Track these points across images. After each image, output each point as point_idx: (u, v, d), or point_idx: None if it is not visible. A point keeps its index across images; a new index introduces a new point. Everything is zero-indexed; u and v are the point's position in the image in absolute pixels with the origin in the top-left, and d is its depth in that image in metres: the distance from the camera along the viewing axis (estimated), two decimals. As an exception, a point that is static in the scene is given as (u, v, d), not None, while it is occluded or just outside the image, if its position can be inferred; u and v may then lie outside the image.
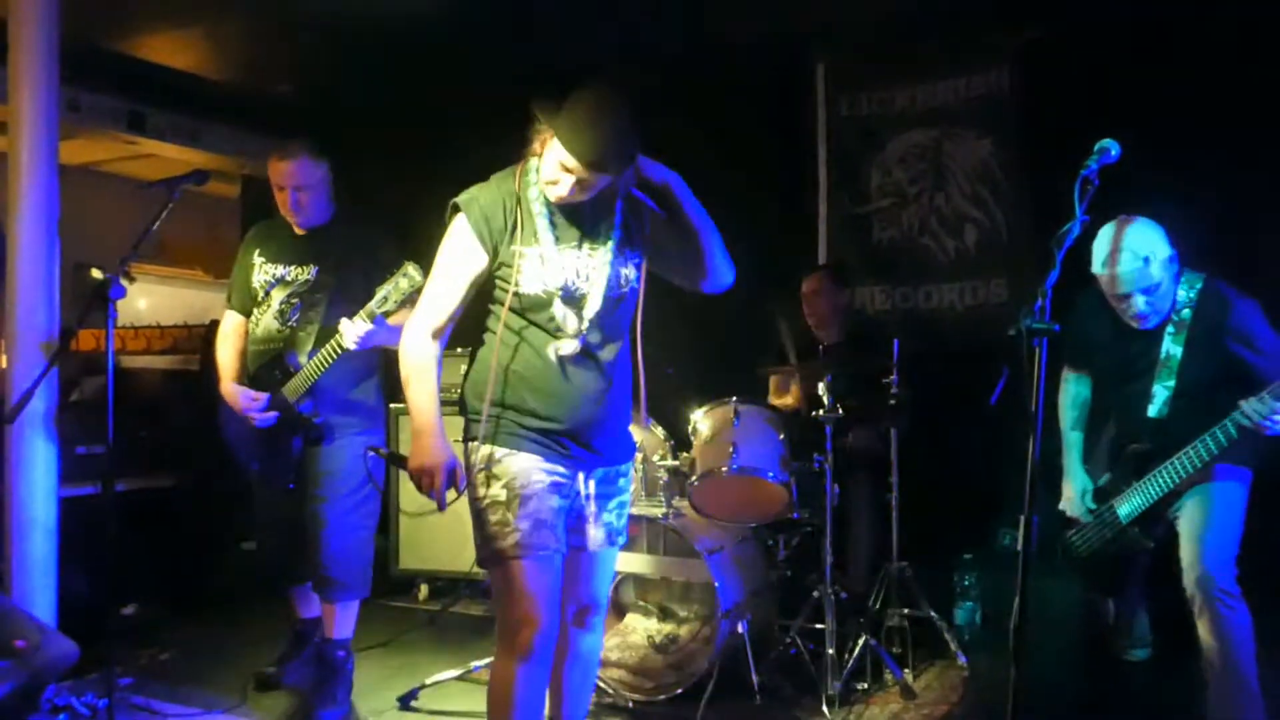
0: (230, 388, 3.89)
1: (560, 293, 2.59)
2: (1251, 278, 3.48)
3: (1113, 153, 2.54)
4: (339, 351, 3.63)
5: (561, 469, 2.64)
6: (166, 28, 5.40)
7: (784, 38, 5.51)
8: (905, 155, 5.61)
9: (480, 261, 2.62)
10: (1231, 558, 3.23)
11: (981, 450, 4.59)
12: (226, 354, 3.99)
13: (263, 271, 3.95)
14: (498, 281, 2.66)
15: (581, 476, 2.71)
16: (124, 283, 3.26)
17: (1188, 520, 3.32)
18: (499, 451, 2.61)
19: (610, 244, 2.66)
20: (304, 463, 3.82)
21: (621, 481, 2.83)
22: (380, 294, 3.46)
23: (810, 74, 5.81)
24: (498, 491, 2.59)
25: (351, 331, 3.55)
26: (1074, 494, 3.62)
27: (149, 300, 7.97)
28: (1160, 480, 3.35)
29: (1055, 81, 5.06)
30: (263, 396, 3.79)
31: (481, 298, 2.71)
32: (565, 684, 2.89)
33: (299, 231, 3.94)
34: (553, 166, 2.54)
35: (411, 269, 3.41)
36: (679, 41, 5.40)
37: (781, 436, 4.10)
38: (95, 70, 5.68)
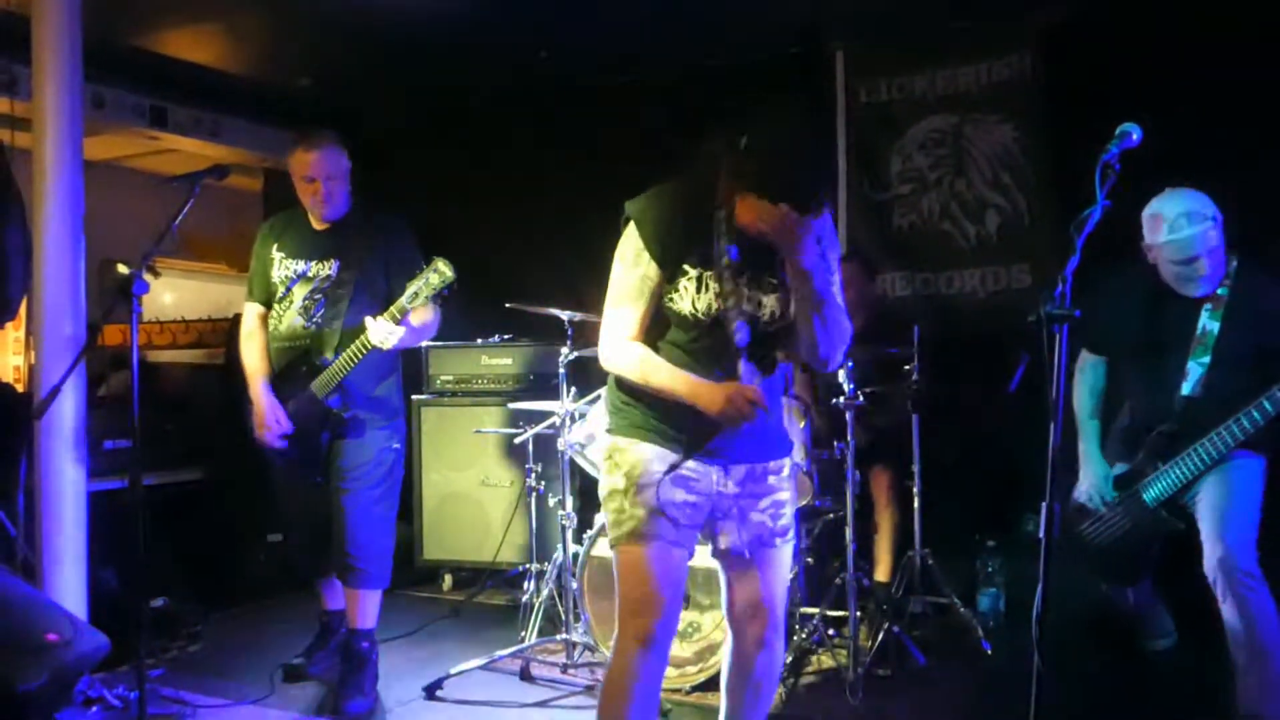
0: (261, 394, 3.86)
1: (705, 318, 2.53)
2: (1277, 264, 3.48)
3: (1134, 137, 2.53)
4: (366, 349, 3.65)
5: (689, 461, 2.56)
6: (187, 22, 5.42)
7: (802, 25, 5.49)
8: (925, 141, 5.58)
9: (653, 270, 2.55)
10: (1252, 540, 3.25)
11: (1005, 436, 4.57)
12: (253, 354, 3.98)
13: (283, 267, 3.95)
14: (667, 297, 2.58)
15: (716, 472, 2.61)
16: (148, 277, 3.28)
17: (1207, 504, 3.33)
18: (621, 441, 2.63)
19: (767, 276, 2.56)
20: (329, 456, 3.85)
21: (772, 479, 2.68)
22: (411, 289, 3.48)
23: (829, 61, 5.78)
24: (617, 480, 2.59)
25: (378, 332, 3.57)
26: (1095, 480, 3.60)
27: (174, 295, 8.03)
28: (1190, 462, 3.35)
29: (1077, 65, 5.03)
30: (286, 423, 3.81)
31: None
32: (738, 699, 2.77)
33: (317, 226, 3.95)
34: (742, 213, 2.44)
35: (441, 264, 3.43)
36: (698, 29, 5.38)
37: (802, 425, 4.10)
38: (118, 67, 5.71)
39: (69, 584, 3.93)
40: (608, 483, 2.64)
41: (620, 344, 2.59)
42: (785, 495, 2.70)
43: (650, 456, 2.57)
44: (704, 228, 2.52)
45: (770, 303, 2.57)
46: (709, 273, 2.52)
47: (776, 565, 2.68)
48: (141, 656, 3.18)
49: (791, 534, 2.71)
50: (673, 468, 2.55)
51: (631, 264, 2.56)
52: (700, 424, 2.51)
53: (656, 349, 2.59)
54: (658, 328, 2.62)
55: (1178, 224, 3.31)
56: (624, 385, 2.66)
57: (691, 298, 2.53)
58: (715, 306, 2.52)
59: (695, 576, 4.18)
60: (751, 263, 2.53)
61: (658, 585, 2.53)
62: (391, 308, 3.56)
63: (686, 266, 2.53)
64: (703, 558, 4.01)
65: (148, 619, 4.34)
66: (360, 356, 3.68)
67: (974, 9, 5.24)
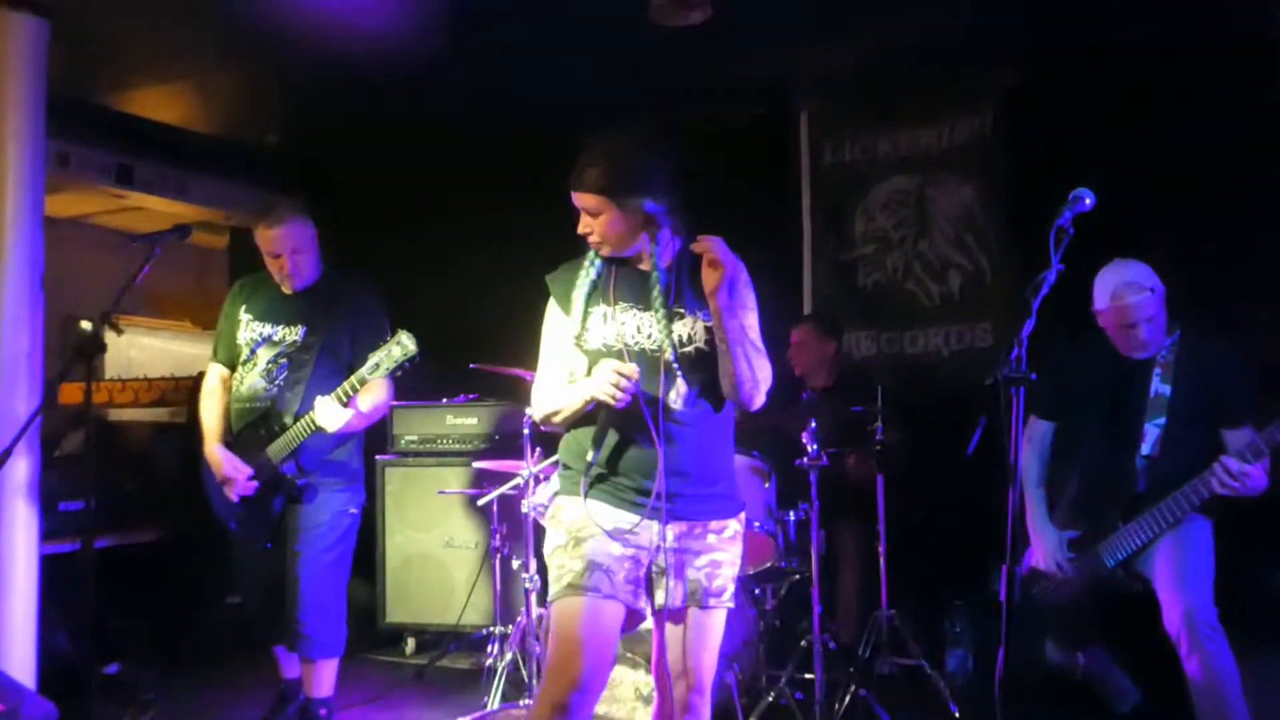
0: (215, 451, 3.85)
1: (621, 348, 2.62)
2: (1230, 325, 3.61)
3: (1087, 201, 2.58)
4: (312, 429, 3.63)
5: (628, 516, 2.60)
6: (154, 81, 5.43)
7: (767, 86, 5.56)
8: (889, 201, 5.65)
9: (569, 330, 2.71)
10: (1211, 596, 3.35)
11: (971, 496, 4.57)
12: (211, 412, 3.95)
13: (249, 329, 3.94)
14: (575, 343, 2.72)
15: (655, 528, 2.60)
16: (109, 335, 3.25)
17: (1166, 562, 3.43)
18: (563, 499, 2.69)
19: (659, 302, 2.64)
20: (283, 520, 3.80)
21: (711, 538, 2.66)
22: (372, 360, 3.46)
23: (793, 122, 5.86)
24: (559, 535, 2.64)
25: (324, 415, 3.56)
26: (1049, 546, 3.67)
27: (137, 352, 7.95)
28: (1152, 522, 3.45)
29: (1035, 127, 5.11)
30: (245, 468, 3.77)
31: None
32: None
33: (287, 291, 3.94)
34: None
35: (405, 337, 3.42)
36: (662, 90, 5.44)
37: (767, 485, 4.09)
38: (84, 124, 5.70)
39: (17, 650, 3.85)
40: (551, 540, 2.68)
41: (540, 392, 2.75)
42: (724, 556, 2.67)
43: (592, 511, 2.60)
44: (593, 276, 2.69)
45: (681, 329, 2.64)
46: (614, 308, 2.66)
47: (708, 628, 2.66)
48: (91, 725, 3.11)
49: (728, 596, 2.67)
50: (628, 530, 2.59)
51: (551, 323, 2.75)
52: (641, 479, 2.58)
53: None
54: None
55: (1119, 293, 3.50)
56: (567, 448, 2.74)
57: (600, 331, 2.65)
58: (619, 336, 2.63)
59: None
60: (644, 299, 2.66)
61: (585, 638, 2.49)
62: (344, 384, 3.55)
63: (589, 309, 2.68)
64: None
65: (100, 685, 4.26)
66: (310, 432, 3.66)
67: (934, 72, 5.33)
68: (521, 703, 4.07)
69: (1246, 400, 3.47)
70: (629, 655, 4.19)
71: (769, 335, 5.20)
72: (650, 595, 2.66)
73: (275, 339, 3.89)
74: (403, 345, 3.40)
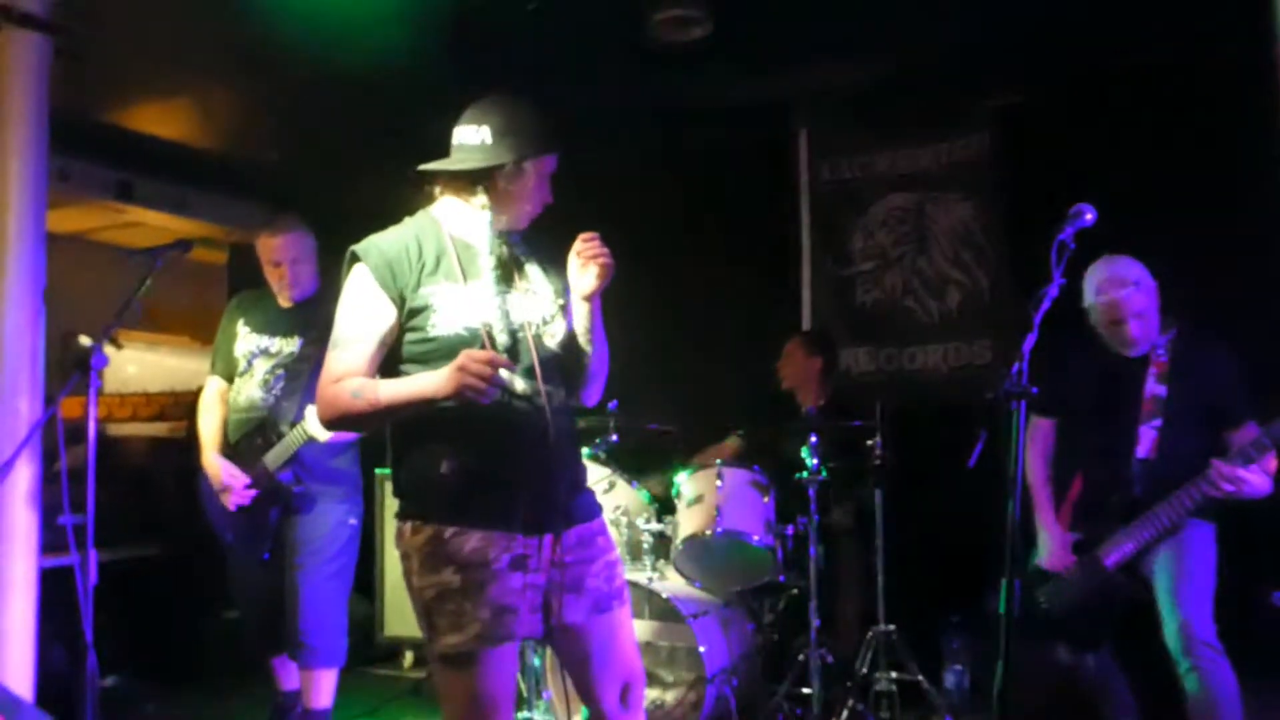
0: (213, 461, 3.87)
1: (484, 332, 2.35)
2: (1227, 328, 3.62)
3: (1088, 217, 2.61)
4: (305, 438, 3.64)
5: (521, 538, 2.35)
6: (155, 97, 5.46)
7: (766, 105, 5.59)
8: (887, 218, 5.67)
9: (388, 313, 2.38)
10: (1210, 611, 3.31)
11: (969, 511, 4.56)
12: (209, 424, 3.98)
13: (246, 341, 3.96)
14: (407, 334, 2.40)
15: (549, 544, 2.39)
16: (109, 350, 3.25)
17: (1164, 575, 3.39)
18: (448, 530, 2.30)
19: (529, 280, 2.52)
20: (281, 531, 3.81)
21: (601, 540, 2.51)
22: None
23: (793, 140, 5.88)
24: (448, 577, 2.28)
25: (317, 424, 3.56)
26: (1053, 547, 3.63)
27: (136, 367, 7.96)
28: (1150, 526, 3.40)
29: (1034, 145, 5.15)
30: (243, 477, 3.77)
31: (388, 364, 2.43)
32: None
33: (284, 303, 3.97)
34: (539, 189, 2.54)
35: None
36: (662, 109, 5.47)
37: (766, 500, 4.10)
38: (85, 140, 5.72)
39: (15, 662, 3.83)
40: (433, 582, 2.29)
41: (330, 387, 2.32)
42: (616, 554, 2.54)
43: (484, 544, 2.29)
44: (441, 249, 2.43)
45: (541, 309, 2.50)
46: (471, 286, 2.39)
47: (623, 628, 2.52)
48: (88, 739, 3.10)
49: (627, 593, 2.54)
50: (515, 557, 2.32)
51: (359, 304, 2.38)
52: (527, 494, 2.34)
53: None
54: (398, 367, 2.41)
55: (1104, 287, 3.49)
56: (418, 463, 2.36)
57: (454, 315, 2.36)
58: (486, 320, 2.36)
59: (658, 653, 4.15)
60: (510, 277, 2.50)
61: (502, 693, 2.31)
62: None
63: (432, 288, 2.37)
64: (665, 633, 4.00)
65: (97, 699, 4.24)
66: (303, 440, 3.66)
67: (934, 91, 5.37)
68: (520, 715, 4.07)
69: (1246, 399, 3.43)
70: (662, 675, 4.18)
71: (767, 352, 5.26)
72: (545, 615, 2.41)
73: (272, 350, 3.92)
74: None
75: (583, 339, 2.49)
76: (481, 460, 2.34)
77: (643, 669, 2.58)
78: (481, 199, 2.48)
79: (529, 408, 2.37)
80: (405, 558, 2.37)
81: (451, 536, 2.30)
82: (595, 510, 2.57)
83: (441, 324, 2.35)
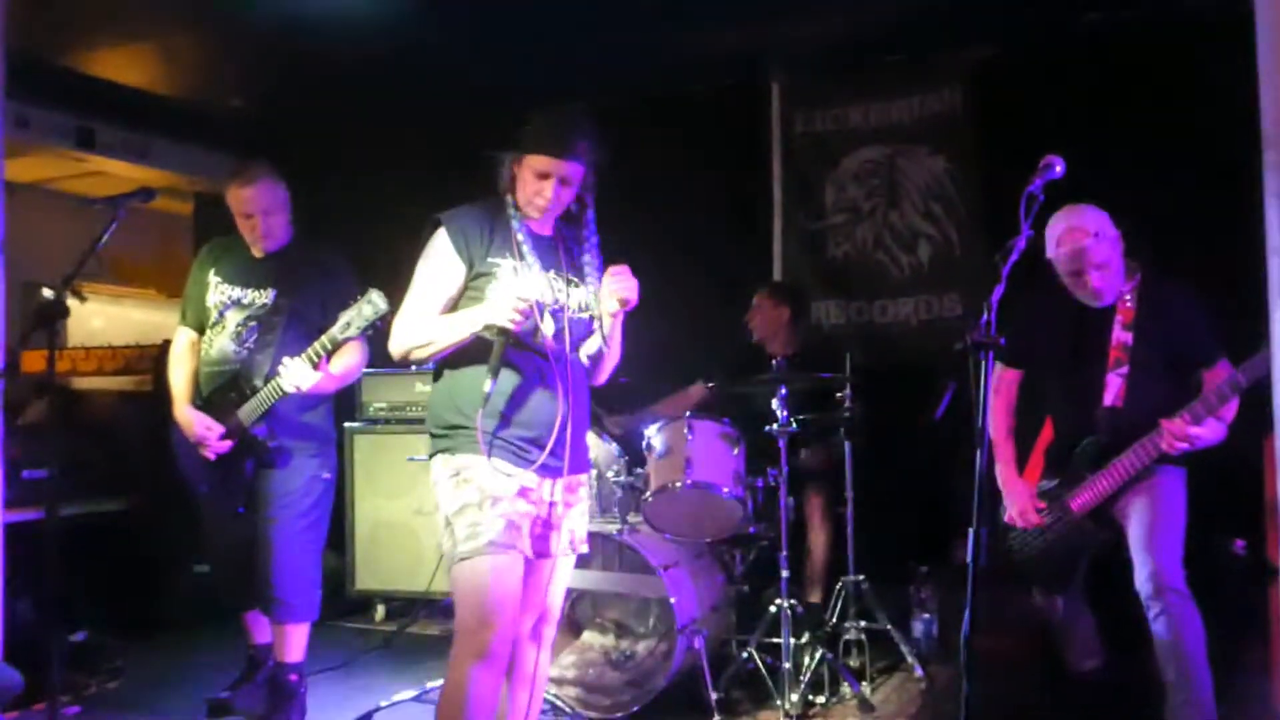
0: (185, 412, 3.82)
1: (535, 305, 2.68)
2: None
3: (1057, 169, 2.61)
4: (281, 393, 3.60)
5: (530, 475, 2.74)
6: (117, 42, 5.34)
7: (740, 57, 5.55)
8: (859, 171, 5.66)
9: (458, 272, 2.77)
10: (1179, 557, 3.34)
11: (938, 463, 4.63)
12: (180, 376, 3.92)
13: (218, 292, 3.89)
14: (470, 294, 2.77)
15: (549, 484, 2.81)
16: (71, 301, 3.20)
17: (1135, 521, 3.41)
18: (466, 458, 2.70)
19: (576, 271, 2.88)
20: (255, 485, 3.77)
21: (581, 490, 2.96)
22: (343, 320, 3.42)
23: (766, 92, 5.85)
24: (469, 494, 2.68)
25: (292, 376, 3.52)
26: (1019, 500, 3.66)
27: (102, 320, 7.86)
28: (1116, 472, 3.41)
29: (1006, 100, 5.16)
30: (218, 426, 3.74)
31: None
32: (514, 702, 2.93)
33: (257, 254, 3.90)
34: (530, 185, 2.76)
35: (375, 295, 3.38)
36: (635, 61, 5.41)
37: (736, 451, 4.11)
38: (44, 86, 5.59)
39: (-18, 618, 3.80)
40: (458, 498, 2.70)
41: (409, 321, 2.77)
42: (586, 506, 3.01)
43: (500, 470, 2.69)
44: (505, 230, 2.79)
45: (577, 296, 2.84)
46: (521, 263, 2.74)
47: (566, 572, 2.97)
48: (57, 694, 3.09)
49: (584, 546, 2.97)
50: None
51: (437, 262, 2.78)
52: (543, 438, 2.72)
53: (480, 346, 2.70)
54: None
55: (1063, 239, 3.46)
56: (452, 404, 2.76)
57: (508, 286, 2.68)
58: (527, 289, 2.68)
59: (628, 604, 4.18)
60: (552, 261, 2.84)
61: (506, 600, 2.67)
62: (314, 344, 3.51)
63: (497, 260, 2.74)
64: (636, 585, 4.02)
65: (65, 654, 4.23)
66: (278, 395, 3.63)
67: (907, 44, 5.35)
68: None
69: (1215, 338, 3.41)
70: (597, 620, 4.23)
71: (737, 304, 5.27)
72: (542, 543, 2.84)
73: (245, 302, 3.85)
74: (373, 303, 3.38)
75: (603, 342, 2.88)
76: (508, 405, 2.72)
77: (561, 611, 3.05)
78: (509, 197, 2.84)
79: (554, 365, 2.77)
80: (436, 484, 2.77)
81: (475, 465, 2.69)
82: (587, 464, 3.01)
83: (496, 292, 2.67)
